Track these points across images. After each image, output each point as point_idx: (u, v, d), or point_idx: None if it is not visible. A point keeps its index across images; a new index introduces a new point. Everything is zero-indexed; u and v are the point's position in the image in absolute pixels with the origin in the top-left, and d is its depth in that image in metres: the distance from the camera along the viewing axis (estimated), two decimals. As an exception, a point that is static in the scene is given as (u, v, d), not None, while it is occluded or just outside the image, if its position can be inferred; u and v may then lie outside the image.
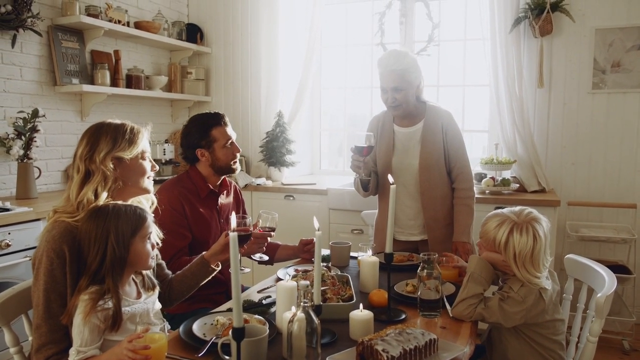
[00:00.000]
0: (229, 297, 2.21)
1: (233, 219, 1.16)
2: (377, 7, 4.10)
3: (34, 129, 3.04)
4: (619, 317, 3.22)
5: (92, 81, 3.53)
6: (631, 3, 3.44)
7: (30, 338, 1.60)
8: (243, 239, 1.81)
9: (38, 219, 2.64)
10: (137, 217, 1.47)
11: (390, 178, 1.76)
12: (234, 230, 1.12)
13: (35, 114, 3.04)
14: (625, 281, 3.17)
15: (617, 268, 3.13)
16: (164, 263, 1.82)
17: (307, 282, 1.24)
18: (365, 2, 4.27)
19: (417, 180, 2.41)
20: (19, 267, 2.55)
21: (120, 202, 1.52)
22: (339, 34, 4.46)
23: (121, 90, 3.66)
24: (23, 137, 3.02)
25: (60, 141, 3.44)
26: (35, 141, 3.05)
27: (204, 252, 1.84)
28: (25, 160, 3.02)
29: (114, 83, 3.65)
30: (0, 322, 1.52)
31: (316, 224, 1.43)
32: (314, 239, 2.30)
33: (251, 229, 1.83)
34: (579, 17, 3.53)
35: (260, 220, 1.93)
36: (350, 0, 4.33)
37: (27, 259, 2.57)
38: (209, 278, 1.84)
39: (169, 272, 1.83)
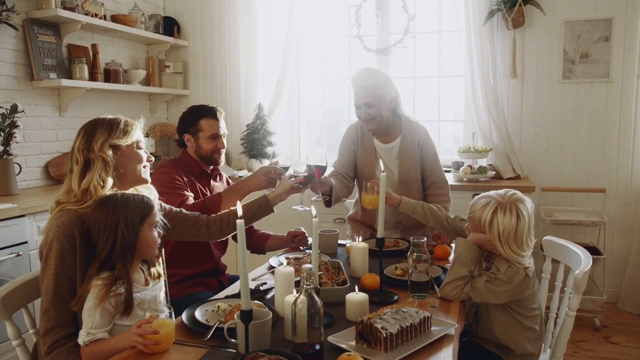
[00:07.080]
0: (221, 283, 2.32)
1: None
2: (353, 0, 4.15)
3: (13, 125, 2.99)
4: (591, 296, 3.38)
5: (70, 76, 3.49)
6: (598, -4, 3.59)
7: (30, 330, 1.62)
8: (308, 178, 2.14)
9: (23, 215, 2.62)
10: (144, 205, 1.51)
11: (381, 164, 1.86)
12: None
13: (14, 109, 2.98)
14: (596, 262, 3.32)
15: (588, 249, 3.26)
16: (168, 206, 1.90)
17: (310, 266, 1.29)
18: (342, -6, 4.31)
19: (396, 192, 2.48)
20: (5, 264, 2.53)
21: (127, 191, 1.56)
22: (315, 26, 4.48)
23: (100, 85, 3.62)
24: (2, 133, 2.97)
25: (39, 137, 3.40)
26: (15, 137, 3.01)
27: (266, 194, 2.06)
28: (5, 157, 2.98)
29: (93, 77, 3.61)
30: (1, 316, 1.53)
31: (314, 211, 1.51)
32: (301, 228, 2.42)
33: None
34: (549, 10, 3.66)
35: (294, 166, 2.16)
36: (326, -8, 4.36)
37: (13, 255, 2.56)
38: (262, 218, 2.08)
39: (177, 209, 1.91)
